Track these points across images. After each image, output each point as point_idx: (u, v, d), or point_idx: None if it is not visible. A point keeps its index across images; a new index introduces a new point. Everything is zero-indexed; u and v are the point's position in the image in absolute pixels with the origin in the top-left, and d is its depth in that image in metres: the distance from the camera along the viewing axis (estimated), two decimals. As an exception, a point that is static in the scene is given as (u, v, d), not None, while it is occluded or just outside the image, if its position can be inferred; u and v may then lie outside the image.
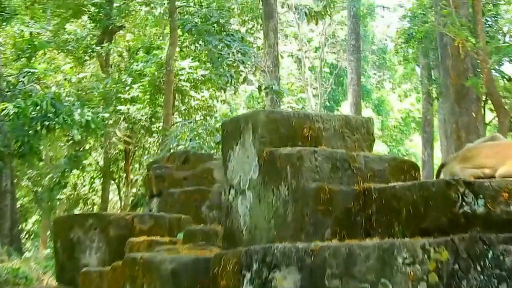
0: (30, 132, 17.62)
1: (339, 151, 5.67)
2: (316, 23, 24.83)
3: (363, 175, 5.61)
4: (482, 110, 19.76)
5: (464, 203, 4.56)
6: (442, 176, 6.01)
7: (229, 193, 6.28)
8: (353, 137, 6.15)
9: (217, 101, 23.43)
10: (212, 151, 16.10)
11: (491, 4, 22.58)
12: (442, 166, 6.21)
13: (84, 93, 22.23)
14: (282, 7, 24.36)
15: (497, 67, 19.41)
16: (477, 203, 4.57)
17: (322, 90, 32.61)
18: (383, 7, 31.05)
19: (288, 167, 5.52)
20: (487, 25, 21.90)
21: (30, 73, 20.04)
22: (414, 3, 27.53)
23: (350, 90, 28.84)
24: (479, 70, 18.50)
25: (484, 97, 19.03)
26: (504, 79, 20.06)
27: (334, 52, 34.81)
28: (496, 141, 6.37)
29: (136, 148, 23.37)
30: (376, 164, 5.71)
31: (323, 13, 21.85)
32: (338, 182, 5.51)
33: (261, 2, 23.88)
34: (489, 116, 22.21)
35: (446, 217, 4.60)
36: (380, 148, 32.47)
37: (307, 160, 5.46)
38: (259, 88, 19.49)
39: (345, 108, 32.33)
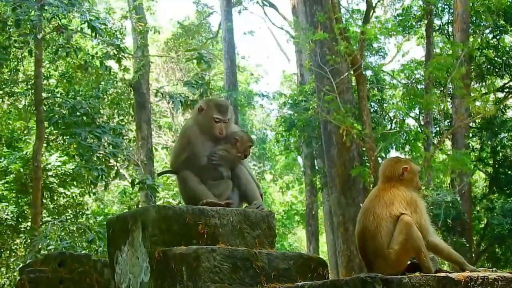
0: None
1: (239, 249, 5.24)
2: (192, 113, 24.26)
3: (267, 274, 5.18)
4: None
5: (383, 303, 4.11)
6: None
7: (117, 299, 5.67)
8: (253, 233, 5.71)
9: (89, 197, 22.35)
10: (83, 251, 15.13)
11: (375, 89, 22.37)
12: None
13: None
14: (156, 95, 23.76)
15: (383, 155, 19.14)
16: (397, 303, 4.11)
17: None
18: (262, 95, 30.54)
19: (183, 268, 5.08)
20: (373, 111, 21.66)
21: None
22: (295, 89, 27.05)
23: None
24: (365, 158, 18.31)
25: (371, 186, 18.74)
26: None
27: (212, 144, 33.98)
28: None
29: (2, 250, 21.89)
30: (280, 262, 5.30)
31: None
32: (240, 283, 5.08)
33: (132, 92, 23.32)
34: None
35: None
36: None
37: (205, 260, 5.01)
38: (132, 183, 18.47)
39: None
